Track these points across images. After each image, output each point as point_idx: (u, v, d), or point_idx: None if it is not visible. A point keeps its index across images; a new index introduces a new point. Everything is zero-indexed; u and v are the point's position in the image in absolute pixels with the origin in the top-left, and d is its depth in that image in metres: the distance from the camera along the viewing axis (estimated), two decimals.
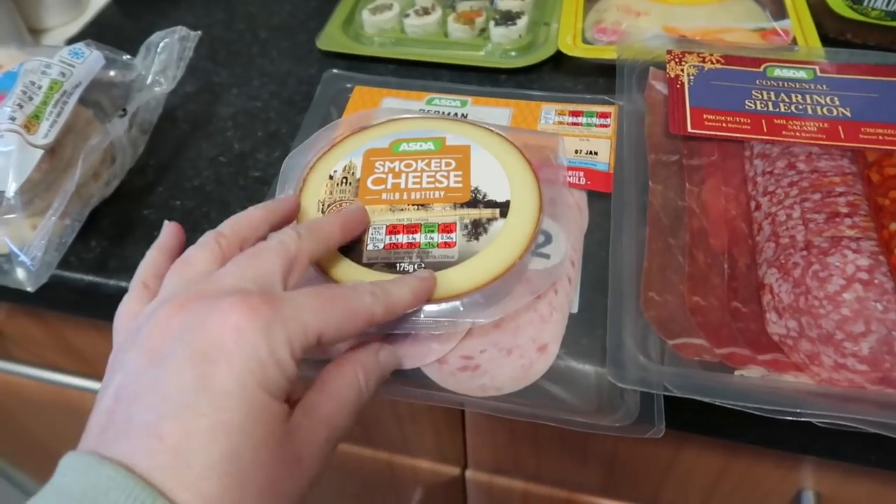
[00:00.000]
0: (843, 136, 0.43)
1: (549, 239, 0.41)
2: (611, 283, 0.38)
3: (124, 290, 0.34)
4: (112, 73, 0.46)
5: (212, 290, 0.29)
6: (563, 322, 0.39)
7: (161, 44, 0.46)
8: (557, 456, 0.56)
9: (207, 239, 0.33)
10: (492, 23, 0.58)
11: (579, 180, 0.45)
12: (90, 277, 0.44)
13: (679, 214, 0.41)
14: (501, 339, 0.38)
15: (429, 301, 0.36)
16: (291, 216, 0.38)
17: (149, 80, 0.45)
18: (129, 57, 0.47)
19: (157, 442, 0.25)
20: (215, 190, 0.48)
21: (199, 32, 0.48)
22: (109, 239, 0.45)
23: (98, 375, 0.61)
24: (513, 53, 0.57)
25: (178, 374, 0.26)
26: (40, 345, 0.63)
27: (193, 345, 0.27)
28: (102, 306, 0.44)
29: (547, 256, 0.40)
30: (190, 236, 0.37)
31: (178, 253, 0.35)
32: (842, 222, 0.39)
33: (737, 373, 0.34)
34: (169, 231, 0.37)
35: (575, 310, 0.40)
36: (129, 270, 0.43)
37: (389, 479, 0.69)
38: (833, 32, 0.56)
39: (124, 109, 0.42)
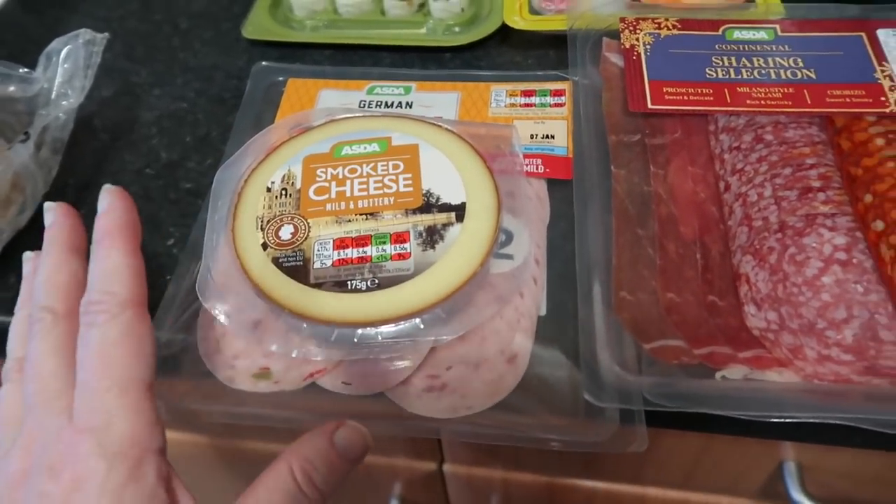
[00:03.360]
0: (809, 102, 0.41)
1: (510, 237, 0.38)
2: (579, 285, 0.36)
3: None
4: (11, 88, 0.41)
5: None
6: (532, 327, 0.37)
7: (64, 51, 0.41)
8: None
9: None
10: None
11: (537, 168, 0.42)
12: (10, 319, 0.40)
13: (646, 201, 0.39)
14: (468, 352, 0.35)
15: (385, 321, 0.33)
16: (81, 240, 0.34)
17: (54, 94, 0.41)
18: (26, 70, 0.42)
19: None
20: (144, 207, 0.44)
21: (107, 35, 0.43)
22: None
23: None
24: (456, 29, 0.53)
25: None
26: None
27: None
28: None
29: (510, 257, 0.37)
30: None
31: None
32: (815, 198, 0.37)
33: (718, 374, 0.32)
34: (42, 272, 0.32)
35: (543, 312, 0.38)
36: None
37: (366, 477, 0.67)
38: None
39: (27, 133, 0.38)
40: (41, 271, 0.32)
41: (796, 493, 0.48)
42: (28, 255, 0.36)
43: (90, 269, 0.31)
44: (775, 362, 0.32)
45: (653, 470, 0.56)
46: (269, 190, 0.38)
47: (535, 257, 0.39)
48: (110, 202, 0.32)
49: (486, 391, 0.35)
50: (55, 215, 0.34)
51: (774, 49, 0.44)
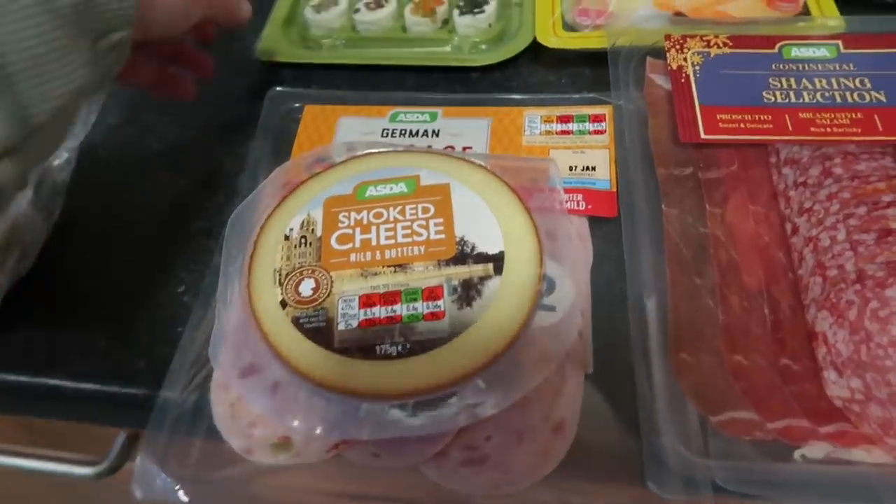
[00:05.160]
0: (881, 128, 0.37)
1: (551, 286, 0.35)
2: (633, 342, 0.32)
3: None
4: None
5: None
6: (580, 389, 0.33)
7: None
8: None
9: None
10: (455, 11, 0.50)
11: (578, 205, 0.39)
12: (13, 377, 0.37)
13: (702, 244, 0.35)
14: (509, 420, 0.32)
15: (419, 392, 0.30)
16: None
17: None
18: None
19: None
20: (153, 250, 0.41)
21: None
22: (33, 327, 0.38)
23: None
24: (483, 46, 0.49)
25: None
26: None
27: None
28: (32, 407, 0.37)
29: (552, 308, 0.34)
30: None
31: None
32: (895, 242, 0.33)
33: (797, 453, 0.29)
34: None
35: (590, 370, 0.34)
36: (59, 364, 0.37)
37: None
38: None
39: None
40: None
41: None
42: None
43: None
44: (863, 439, 0.29)
45: None
46: (287, 238, 0.35)
47: (580, 307, 0.35)
48: None
49: (531, 464, 0.31)
50: None
51: (838, 68, 0.40)
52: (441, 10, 0.50)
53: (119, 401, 0.36)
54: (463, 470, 0.31)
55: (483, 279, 0.32)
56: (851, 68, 0.40)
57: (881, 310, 0.31)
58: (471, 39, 0.49)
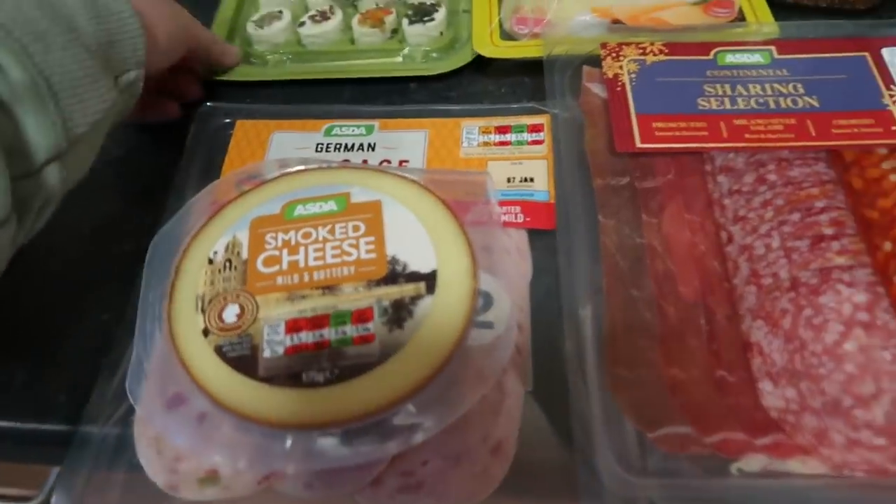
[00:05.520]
0: (813, 134, 0.37)
1: (488, 302, 0.34)
2: (568, 359, 0.32)
3: None
4: None
5: None
6: (519, 407, 0.32)
7: None
8: None
9: None
10: (405, 20, 0.49)
11: (516, 217, 0.38)
12: None
13: (639, 255, 0.34)
14: (446, 443, 0.31)
15: (347, 421, 0.28)
16: None
17: None
18: None
19: None
20: (77, 274, 0.39)
21: None
22: None
23: None
24: (435, 55, 0.48)
25: None
26: None
27: None
28: None
29: (489, 325, 0.33)
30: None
31: None
32: (829, 247, 0.33)
33: (733, 467, 0.28)
34: None
35: (530, 387, 0.33)
36: None
37: None
38: None
39: None
40: None
41: None
42: None
43: None
44: (798, 450, 0.28)
45: None
46: (211, 262, 0.33)
47: (518, 322, 0.34)
48: None
49: (469, 488, 0.30)
50: None
51: (772, 74, 0.40)
52: (389, 19, 0.49)
53: (39, 438, 0.34)
54: (399, 497, 0.30)
55: (415, 299, 0.31)
56: (785, 74, 0.40)
57: (815, 317, 0.31)
58: (422, 48, 0.49)
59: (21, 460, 0.38)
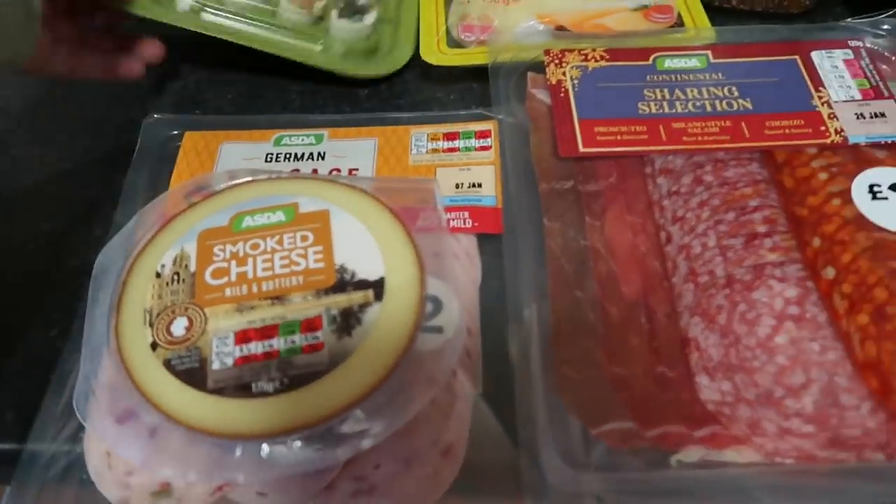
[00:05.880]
0: (747, 135, 0.39)
1: (438, 306, 0.34)
2: (514, 360, 0.32)
3: None
4: None
5: None
6: (468, 410, 0.33)
7: None
8: None
9: None
10: (334, 12, 0.48)
11: (464, 222, 0.39)
12: None
13: (583, 258, 0.35)
14: (397, 447, 0.31)
15: (296, 429, 0.29)
16: None
17: None
18: None
19: None
20: (22, 290, 0.39)
21: None
22: None
23: None
24: (356, 55, 0.48)
25: None
26: None
27: None
28: None
29: (439, 330, 0.34)
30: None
31: None
32: (761, 245, 0.34)
33: (673, 459, 0.29)
34: None
35: (480, 389, 0.34)
36: None
37: None
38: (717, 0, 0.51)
39: None
40: None
41: None
42: None
43: None
44: (733, 440, 0.29)
45: None
46: (158, 275, 0.33)
47: (468, 326, 0.35)
48: None
49: (420, 492, 0.31)
50: None
51: (708, 78, 0.42)
52: (319, 5, 0.48)
53: None
54: (353, 502, 0.31)
55: (363, 306, 0.32)
56: (720, 77, 0.42)
57: (749, 312, 0.32)
58: (345, 44, 0.48)
59: None
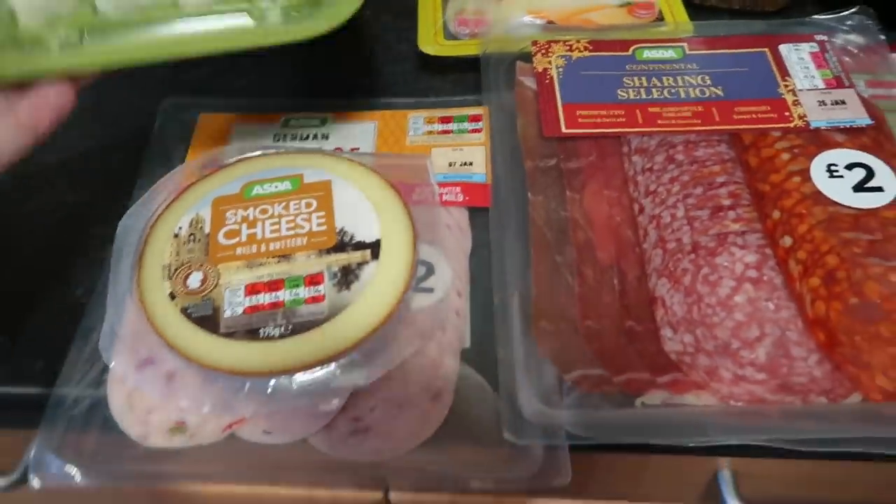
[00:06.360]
0: (717, 119, 0.42)
1: (430, 270, 0.38)
2: (498, 317, 0.36)
3: None
4: None
5: None
6: (456, 362, 0.36)
7: None
8: None
9: None
10: None
11: (456, 197, 0.42)
12: None
13: (563, 227, 0.39)
14: (391, 392, 0.35)
15: (298, 368, 0.32)
16: None
17: None
18: None
19: None
20: (51, 255, 0.42)
21: None
22: None
23: None
24: (295, 14, 0.38)
25: None
26: None
27: None
28: None
29: (430, 290, 0.37)
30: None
31: None
32: (726, 216, 0.37)
33: (638, 401, 0.32)
34: None
35: (467, 345, 0.37)
36: None
37: None
38: None
39: None
40: None
41: (731, 499, 0.49)
42: None
43: None
44: (693, 385, 0.33)
45: (596, 485, 0.56)
46: (176, 236, 0.37)
47: (458, 289, 0.38)
48: None
49: (411, 432, 0.34)
50: None
51: (683, 68, 0.45)
52: None
53: (17, 401, 0.37)
54: (350, 440, 0.34)
55: (361, 265, 0.35)
56: (695, 67, 0.45)
57: (711, 275, 0.35)
58: (277, 5, 0.38)
59: (2, 425, 0.40)
